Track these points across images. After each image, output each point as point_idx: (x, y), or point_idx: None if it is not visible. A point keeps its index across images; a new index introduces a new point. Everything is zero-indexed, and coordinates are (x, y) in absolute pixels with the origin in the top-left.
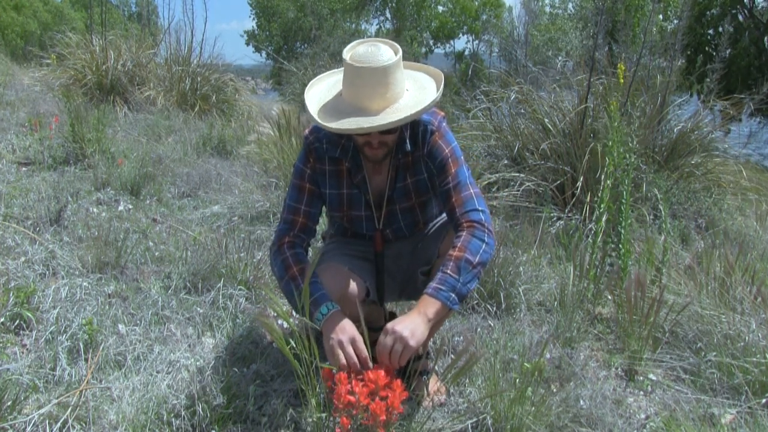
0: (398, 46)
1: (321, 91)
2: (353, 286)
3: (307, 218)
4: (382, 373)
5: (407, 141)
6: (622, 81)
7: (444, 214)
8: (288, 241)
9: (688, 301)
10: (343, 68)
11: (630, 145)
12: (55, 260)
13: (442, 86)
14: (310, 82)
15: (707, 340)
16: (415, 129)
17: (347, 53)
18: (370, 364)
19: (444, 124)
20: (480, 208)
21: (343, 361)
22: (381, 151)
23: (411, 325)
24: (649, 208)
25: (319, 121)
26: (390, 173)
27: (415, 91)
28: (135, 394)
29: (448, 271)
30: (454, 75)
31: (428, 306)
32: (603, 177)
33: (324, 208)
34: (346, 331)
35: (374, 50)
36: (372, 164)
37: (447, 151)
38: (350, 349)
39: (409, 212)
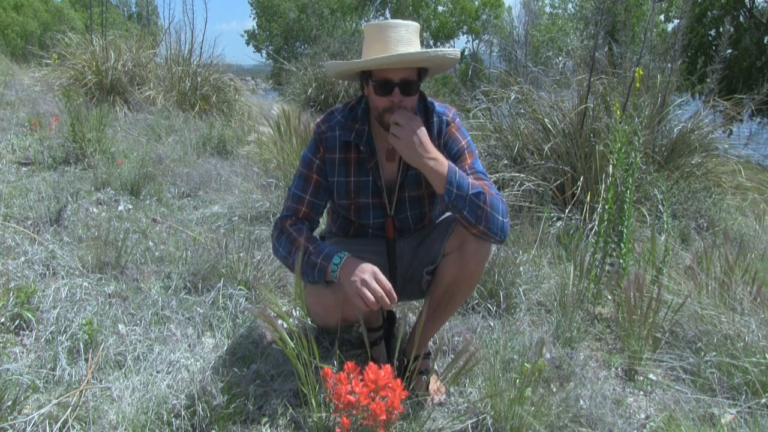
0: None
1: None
2: None
3: (310, 209)
4: (382, 373)
5: None
6: (638, 85)
7: (446, 214)
8: (290, 222)
9: (686, 300)
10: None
11: (635, 144)
12: (55, 260)
13: (458, 53)
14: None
15: (707, 340)
16: (429, 118)
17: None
18: (395, 295)
19: (458, 118)
20: (501, 196)
21: (372, 298)
22: None
23: (428, 147)
24: (650, 208)
25: (337, 61)
26: (402, 160)
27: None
28: (135, 394)
29: (470, 180)
30: (454, 75)
31: (439, 167)
32: (604, 177)
33: (328, 204)
34: (366, 269)
35: (393, 20)
36: (385, 151)
37: (463, 143)
38: (375, 284)
39: (417, 202)
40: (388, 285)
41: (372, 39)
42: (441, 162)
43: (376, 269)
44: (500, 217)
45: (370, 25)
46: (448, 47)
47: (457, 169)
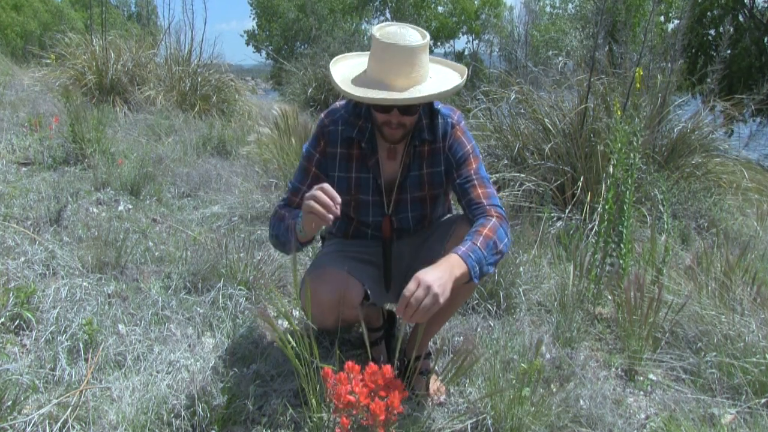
0: (426, 33)
1: (345, 67)
2: (351, 289)
3: None
4: (382, 373)
5: (425, 130)
6: (639, 85)
7: (446, 216)
8: (282, 207)
9: (687, 301)
10: (363, 52)
11: (634, 144)
12: (55, 260)
13: (466, 76)
14: (334, 59)
15: (707, 340)
16: (434, 120)
17: (377, 31)
18: (338, 197)
19: (463, 121)
20: (502, 206)
21: (315, 205)
22: (399, 132)
23: (441, 280)
24: (650, 209)
25: (344, 87)
26: (404, 160)
27: (438, 78)
28: (135, 394)
29: (478, 244)
30: None
31: (456, 266)
32: (604, 177)
33: None
34: (313, 190)
35: (403, 31)
36: (387, 149)
37: (469, 147)
38: (317, 192)
39: (419, 203)
40: (331, 191)
41: (376, 56)
42: (460, 268)
43: (322, 185)
44: (506, 241)
45: (377, 40)
46: (448, 46)
47: (470, 254)
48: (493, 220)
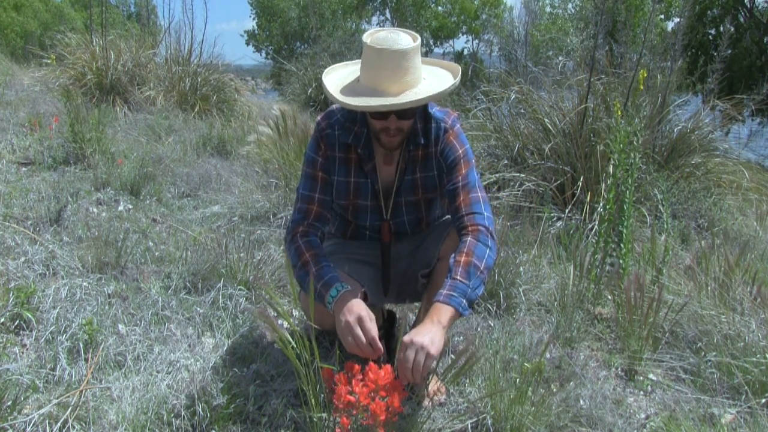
0: (417, 35)
1: (337, 77)
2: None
3: (322, 206)
4: (382, 373)
5: (420, 133)
6: (642, 87)
7: (446, 216)
8: (302, 230)
9: (687, 301)
10: (355, 61)
11: (634, 144)
12: (55, 260)
13: (459, 76)
14: (326, 70)
15: (707, 340)
16: (428, 124)
17: (368, 37)
18: (380, 345)
19: (458, 125)
20: (485, 213)
21: (353, 343)
22: (397, 138)
23: (429, 333)
24: (650, 208)
25: (338, 98)
26: (399, 165)
27: (431, 80)
28: (135, 394)
29: (458, 277)
30: None
31: (441, 313)
32: (604, 177)
33: None
34: (353, 311)
35: (394, 36)
36: (383, 154)
37: (460, 151)
38: (358, 330)
39: (414, 207)
40: (371, 334)
41: (368, 63)
42: (447, 312)
43: (363, 314)
44: (489, 253)
45: (368, 46)
46: (448, 46)
47: (452, 294)
48: (469, 239)
